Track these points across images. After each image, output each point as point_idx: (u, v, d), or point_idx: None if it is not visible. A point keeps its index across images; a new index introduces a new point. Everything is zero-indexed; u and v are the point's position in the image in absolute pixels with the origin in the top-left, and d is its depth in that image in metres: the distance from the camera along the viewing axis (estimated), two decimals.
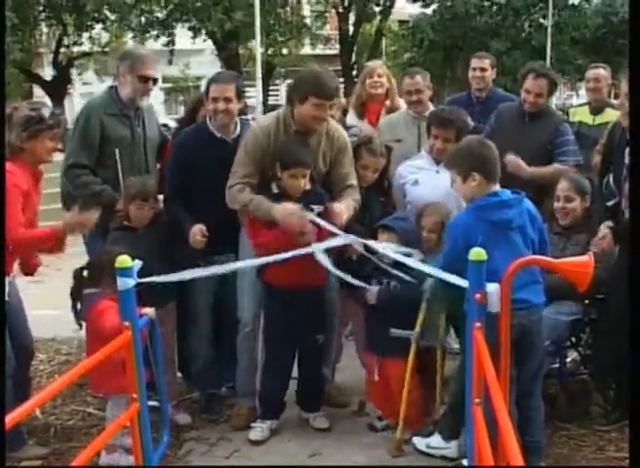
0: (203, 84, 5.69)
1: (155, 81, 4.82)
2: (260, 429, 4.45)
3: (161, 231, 4.46)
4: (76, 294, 4.07)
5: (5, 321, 3.88)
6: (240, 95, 4.47)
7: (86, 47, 26.20)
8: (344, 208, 4.24)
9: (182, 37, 27.24)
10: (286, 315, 4.35)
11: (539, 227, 3.74)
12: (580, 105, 6.82)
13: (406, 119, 5.61)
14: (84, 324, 4.08)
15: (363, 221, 4.55)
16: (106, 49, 26.75)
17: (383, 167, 4.77)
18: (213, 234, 4.38)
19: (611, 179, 4.37)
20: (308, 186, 4.30)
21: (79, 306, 4.06)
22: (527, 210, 3.69)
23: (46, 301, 6.17)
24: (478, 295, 3.12)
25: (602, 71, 6.40)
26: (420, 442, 4.18)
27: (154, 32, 26.19)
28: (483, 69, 6.17)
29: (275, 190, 4.34)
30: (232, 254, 4.51)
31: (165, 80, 31.23)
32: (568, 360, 4.77)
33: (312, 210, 4.24)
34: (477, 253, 3.12)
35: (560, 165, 5.09)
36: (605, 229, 4.23)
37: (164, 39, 26.57)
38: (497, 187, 3.70)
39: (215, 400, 4.85)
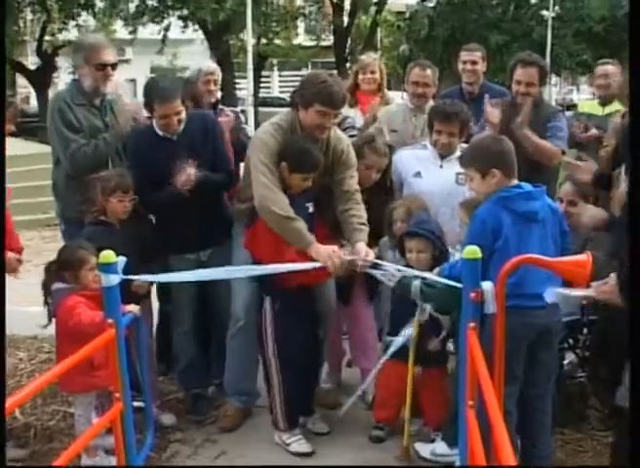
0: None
1: (114, 66, 4.82)
2: (301, 440, 4.36)
3: (139, 226, 4.45)
4: (46, 289, 4.06)
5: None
6: (184, 102, 4.46)
7: (72, 35, 26.12)
8: (365, 247, 4.19)
9: (171, 26, 27.18)
10: (297, 314, 4.30)
11: (559, 219, 3.79)
12: (588, 100, 6.87)
13: (404, 110, 5.63)
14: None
15: (368, 222, 4.58)
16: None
17: (386, 167, 4.79)
18: (176, 233, 4.45)
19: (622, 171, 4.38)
20: None
21: (50, 301, 4.06)
22: (548, 203, 3.74)
23: (26, 297, 6.14)
24: (473, 294, 3.13)
25: (611, 67, 6.42)
26: (423, 448, 4.18)
27: (144, 20, 26.10)
28: (473, 62, 6.11)
29: None
30: (205, 252, 4.57)
31: (153, 70, 31.09)
32: (565, 362, 4.79)
33: (307, 208, 4.27)
34: (471, 251, 3.14)
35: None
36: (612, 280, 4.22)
37: (154, 28, 26.48)
38: (515, 181, 3.73)
39: (201, 400, 4.85)
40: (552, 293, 3.28)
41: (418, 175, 4.82)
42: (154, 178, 4.43)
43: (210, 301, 4.75)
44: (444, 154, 4.76)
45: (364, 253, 4.15)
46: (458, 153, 4.72)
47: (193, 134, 4.53)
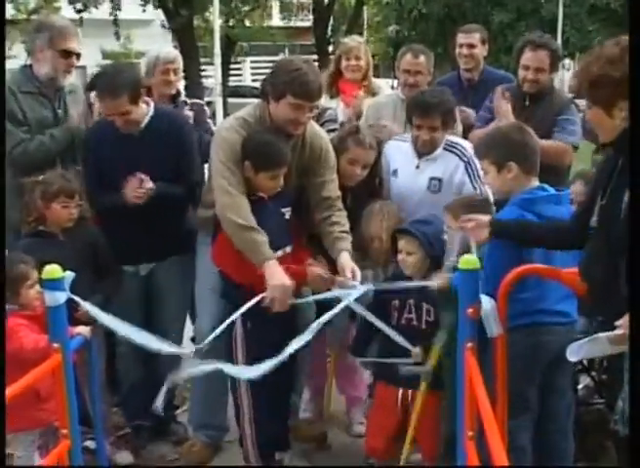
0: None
1: (79, 56, 4.84)
2: None
3: (88, 236, 4.45)
4: None
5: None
6: (137, 98, 4.45)
7: (9, 13, 26.00)
8: (351, 262, 4.19)
9: (126, 5, 27.15)
10: (272, 335, 4.24)
11: None
12: None
13: (395, 102, 5.64)
14: None
15: (352, 229, 4.60)
16: (34, 16, 26.56)
17: (373, 162, 4.77)
18: (123, 241, 4.46)
19: None
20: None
21: None
22: (570, 209, 3.73)
23: None
24: (470, 310, 3.16)
25: None
26: None
27: None
28: (471, 46, 6.10)
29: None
30: (147, 265, 4.62)
31: (105, 56, 31.06)
32: (580, 387, 4.82)
33: (283, 214, 4.30)
34: (468, 261, 3.16)
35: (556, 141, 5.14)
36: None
37: (106, 6, 26.39)
38: (536, 181, 3.75)
39: (142, 432, 4.85)
40: (577, 351, 3.07)
41: (394, 173, 4.84)
42: (109, 179, 4.45)
43: (156, 317, 4.77)
44: (425, 151, 4.74)
45: (349, 271, 4.13)
46: (440, 150, 4.73)
47: (159, 133, 4.54)
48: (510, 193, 3.74)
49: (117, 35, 26.58)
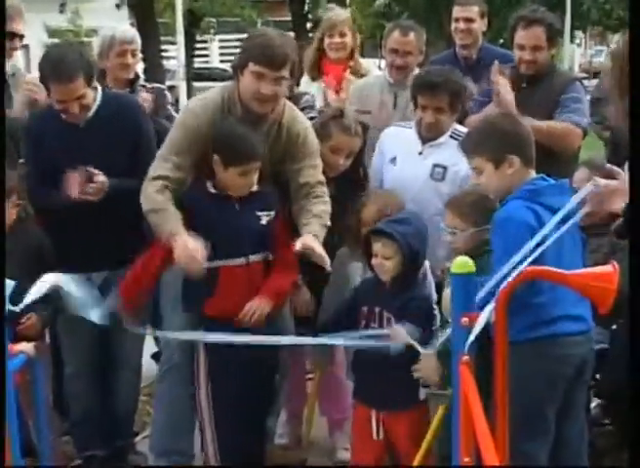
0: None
1: (22, 38, 4.84)
2: None
3: (29, 238, 4.45)
4: None
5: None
6: (92, 81, 4.48)
7: None
8: (312, 241, 4.20)
9: None
10: (236, 350, 4.30)
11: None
12: None
13: (382, 85, 5.70)
14: None
15: (335, 226, 4.63)
16: None
17: (358, 151, 4.82)
18: (72, 245, 4.49)
19: None
20: (255, 186, 4.34)
21: None
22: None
23: None
24: (465, 319, 3.17)
25: None
26: None
27: None
28: (468, 20, 6.19)
29: (211, 189, 4.36)
30: (100, 274, 4.64)
31: (50, 34, 30.81)
32: (592, 405, 4.85)
33: (259, 218, 4.32)
34: (462, 264, 3.18)
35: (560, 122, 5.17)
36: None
37: None
38: (533, 172, 3.80)
39: (95, 464, 4.84)
40: None
41: (393, 160, 4.90)
42: (53, 175, 4.45)
43: (113, 332, 4.74)
44: (429, 137, 4.81)
45: (300, 242, 4.17)
46: (446, 137, 4.79)
47: (109, 121, 4.56)
48: (509, 191, 3.77)
49: (62, 8, 26.32)
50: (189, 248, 4.09)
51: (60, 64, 4.37)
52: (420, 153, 4.83)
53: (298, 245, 4.15)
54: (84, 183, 4.38)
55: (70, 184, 4.37)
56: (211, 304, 4.32)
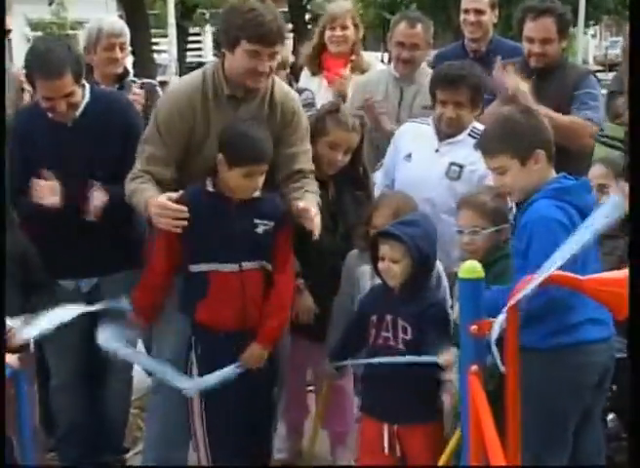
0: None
1: (8, 32, 4.86)
2: None
3: (12, 244, 4.36)
4: None
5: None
6: (80, 77, 4.49)
7: None
8: (313, 208, 4.24)
9: None
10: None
11: None
12: None
13: (387, 80, 5.73)
14: None
15: (335, 228, 4.69)
16: None
17: (357, 147, 4.84)
18: (58, 250, 4.50)
19: None
20: (258, 192, 4.36)
21: None
22: None
23: None
24: (474, 327, 3.18)
25: None
26: None
27: None
28: (479, 11, 6.17)
29: (209, 188, 4.37)
30: (89, 280, 4.66)
31: (33, 27, 30.84)
32: (609, 417, 4.85)
33: (255, 226, 4.32)
34: (470, 268, 3.18)
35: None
36: None
37: None
38: (553, 170, 3.82)
39: None
40: None
41: (408, 157, 4.95)
42: (36, 176, 4.45)
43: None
44: (448, 133, 4.86)
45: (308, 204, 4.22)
46: (464, 135, 4.85)
47: (97, 120, 4.57)
48: (535, 190, 3.77)
49: (50, 2, 26.32)
50: (161, 203, 4.14)
51: (47, 59, 4.36)
52: (437, 150, 4.88)
53: (300, 204, 4.18)
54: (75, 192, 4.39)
55: (41, 191, 4.38)
56: (201, 310, 4.36)
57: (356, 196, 4.88)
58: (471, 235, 4.22)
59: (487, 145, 4.00)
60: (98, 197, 4.45)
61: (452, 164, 4.78)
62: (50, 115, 4.51)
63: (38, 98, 4.53)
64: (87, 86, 4.61)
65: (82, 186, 4.47)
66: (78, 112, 4.54)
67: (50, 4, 26.83)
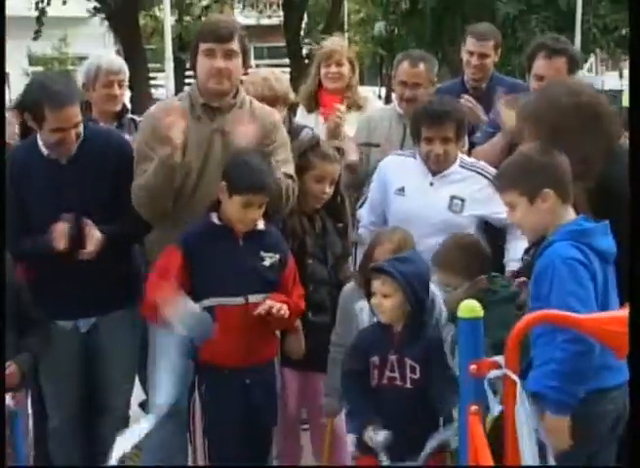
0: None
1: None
2: None
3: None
4: None
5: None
6: (81, 109, 4.55)
7: None
8: None
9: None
10: (230, 400, 4.42)
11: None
12: None
13: (391, 117, 5.78)
14: None
15: (325, 260, 4.80)
16: None
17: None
18: (55, 290, 4.51)
19: None
20: (262, 225, 4.41)
21: None
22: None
23: None
24: (474, 367, 3.17)
25: None
26: None
27: None
28: (484, 55, 6.11)
29: (215, 221, 4.41)
30: (87, 320, 4.66)
31: (33, 61, 30.91)
32: None
33: (262, 259, 4.36)
34: (469, 308, 3.17)
35: None
36: None
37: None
38: (572, 210, 3.75)
39: None
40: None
41: (400, 191, 4.96)
42: (29, 216, 4.47)
43: (100, 381, 4.80)
44: (438, 169, 4.89)
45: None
46: (455, 167, 4.87)
47: (91, 158, 4.58)
48: (546, 230, 3.72)
49: (37, 35, 26.00)
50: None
51: (56, 90, 4.37)
52: (432, 184, 4.91)
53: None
54: (73, 233, 4.40)
55: (57, 236, 4.37)
56: (204, 345, 4.33)
57: (338, 228, 4.95)
58: (446, 293, 4.25)
59: (499, 180, 4.01)
60: (92, 237, 4.43)
61: (453, 197, 4.79)
62: (46, 153, 4.51)
63: (37, 135, 4.54)
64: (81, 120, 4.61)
65: (77, 226, 4.46)
66: (73, 149, 4.53)
67: (34, 39, 26.46)
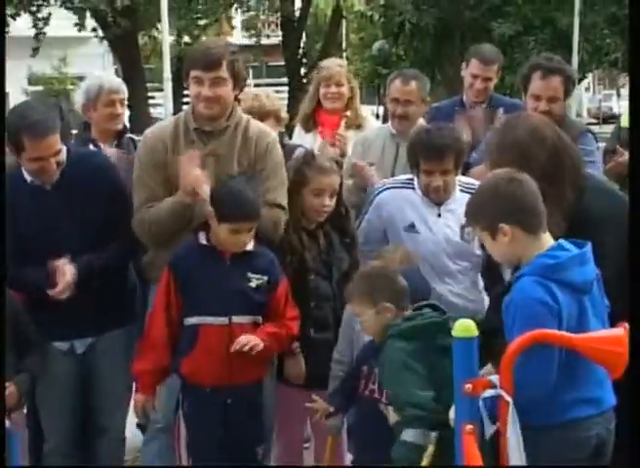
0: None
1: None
2: None
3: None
4: None
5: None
6: (63, 136, 4.50)
7: None
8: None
9: (57, 19, 26.92)
10: (216, 424, 4.42)
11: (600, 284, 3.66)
12: None
13: (385, 136, 5.80)
14: None
15: (330, 276, 4.77)
16: None
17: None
18: (51, 312, 4.48)
19: None
20: (251, 245, 4.42)
21: None
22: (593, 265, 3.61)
23: None
24: (468, 386, 3.17)
25: None
26: None
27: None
28: (488, 79, 6.15)
29: (202, 241, 4.44)
30: (83, 341, 4.65)
31: (33, 81, 30.89)
32: None
33: (249, 280, 4.37)
34: (464, 327, 3.17)
35: None
36: None
37: (27, 19, 25.96)
38: (547, 237, 3.59)
39: None
40: None
41: (411, 228, 4.91)
42: (17, 243, 4.44)
43: (97, 402, 4.79)
44: (439, 201, 4.89)
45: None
46: (456, 192, 4.88)
47: (75, 183, 4.56)
48: (519, 260, 3.59)
49: (35, 52, 25.87)
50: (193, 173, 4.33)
51: (35, 120, 4.32)
52: (439, 215, 4.90)
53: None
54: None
55: (61, 288, 4.40)
56: (186, 364, 4.37)
57: (345, 242, 4.90)
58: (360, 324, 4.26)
59: (465, 216, 3.85)
60: (63, 275, 4.40)
61: (463, 226, 4.72)
62: (30, 179, 4.50)
63: (20, 163, 4.49)
64: (63, 148, 4.54)
65: (62, 254, 4.46)
66: (55, 176, 4.51)
67: (33, 56, 26.27)
